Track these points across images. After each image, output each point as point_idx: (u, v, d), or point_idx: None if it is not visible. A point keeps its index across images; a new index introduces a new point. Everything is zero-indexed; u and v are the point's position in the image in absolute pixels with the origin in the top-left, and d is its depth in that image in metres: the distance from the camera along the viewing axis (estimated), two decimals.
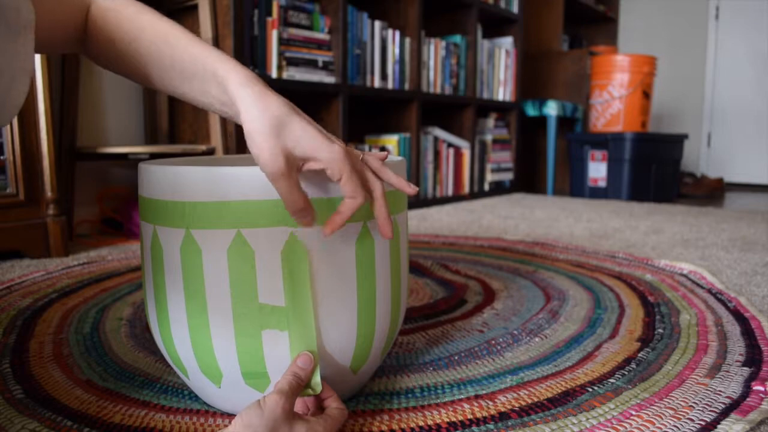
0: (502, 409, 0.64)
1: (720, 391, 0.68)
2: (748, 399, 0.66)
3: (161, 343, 0.64)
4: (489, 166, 2.94)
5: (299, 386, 0.55)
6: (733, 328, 0.90)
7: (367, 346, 0.63)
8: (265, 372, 0.58)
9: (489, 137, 2.93)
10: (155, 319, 0.63)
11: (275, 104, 0.51)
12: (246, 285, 0.56)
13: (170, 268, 0.59)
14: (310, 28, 2.03)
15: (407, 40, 2.41)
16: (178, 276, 0.58)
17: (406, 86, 2.43)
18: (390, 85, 2.35)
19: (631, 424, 0.60)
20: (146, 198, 0.60)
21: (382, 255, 0.62)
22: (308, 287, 0.57)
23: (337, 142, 0.53)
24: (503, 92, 3.00)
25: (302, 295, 0.57)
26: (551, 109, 3.04)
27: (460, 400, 0.67)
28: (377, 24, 2.28)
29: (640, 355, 0.80)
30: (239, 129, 1.78)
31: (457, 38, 2.71)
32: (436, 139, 2.63)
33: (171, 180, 0.57)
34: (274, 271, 0.56)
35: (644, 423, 0.61)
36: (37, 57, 1.32)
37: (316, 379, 0.57)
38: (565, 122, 3.27)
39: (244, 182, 0.55)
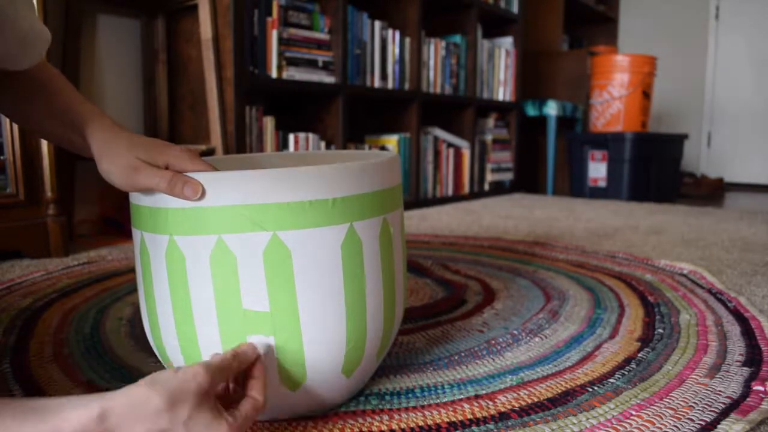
0: (502, 409, 0.64)
1: (720, 391, 0.68)
2: (748, 399, 0.66)
3: (155, 347, 0.64)
4: (489, 166, 2.94)
5: (230, 369, 0.51)
6: (733, 328, 0.90)
7: (359, 349, 0.62)
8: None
9: (489, 137, 2.93)
10: (148, 324, 0.63)
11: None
12: (229, 291, 0.56)
13: (158, 275, 0.59)
14: (310, 28, 2.02)
15: (407, 40, 2.41)
16: (164, 283, 0.58)
17: (406, 86, 2.43)
18: (390, 85, 2.35)
19: (631, 424, 0.60)
20: (134, 204, 0.61)
21: (371, 256, 0.60)
22: (293, 291, 0.56)
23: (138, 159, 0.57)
24: (503, 92, 3.00)
25: (286, 299, 0.56)
26: (551, 109, 3.04)
27: (460, 400, 0.67)
28: (377, 24, 2.27)
29: (640, 355, 0.80)
30: (239, 129, 1.78)
31: (457, 38, 2.71)
32: (436, 139, 2.63)
33: None
34: (257, 276, 0.55)
35: (644, 423, 0.61)
36: None
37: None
38: (565, 122, 3.27)
39: (223, 187, 0.54)
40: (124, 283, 1.16)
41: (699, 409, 0.64)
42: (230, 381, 0.55)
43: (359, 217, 0.58)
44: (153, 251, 0.58)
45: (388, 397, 0.68)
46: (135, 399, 0.44)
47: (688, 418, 0.62)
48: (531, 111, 3.12)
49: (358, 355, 0.62)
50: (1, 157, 1.32)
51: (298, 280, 0.56)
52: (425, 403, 0.66)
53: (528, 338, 0.87)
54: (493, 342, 0.85)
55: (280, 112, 2.11)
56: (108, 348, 0.83)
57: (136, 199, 0.60)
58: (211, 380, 0.48)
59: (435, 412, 0.64)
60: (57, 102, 0.64)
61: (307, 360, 0.58)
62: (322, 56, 2.05)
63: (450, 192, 2.72)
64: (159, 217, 0.57)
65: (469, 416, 0.63)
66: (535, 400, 0.67)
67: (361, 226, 0.59)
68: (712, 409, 0.64)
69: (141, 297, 0.64)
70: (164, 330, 0.60)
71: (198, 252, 0.55)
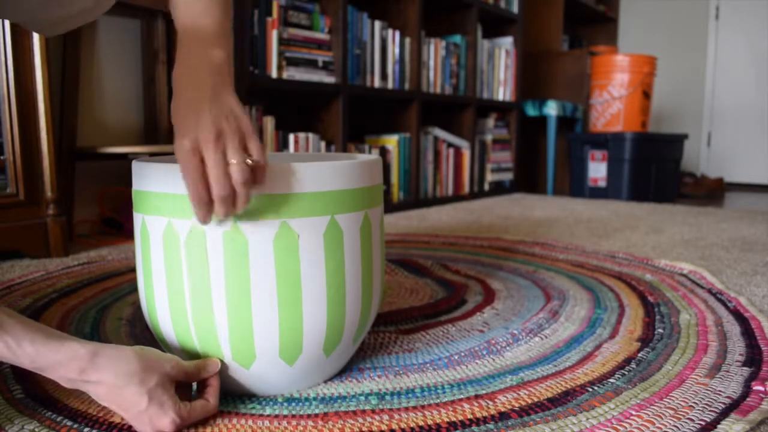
0: (502, 409, 0.64)
1: (720, 391, 0.68)
2: (748, 399, 0.66)
3: (149, 322, 0.68)
4: (489, 166, 2.94)
5: (194, 375, 0.61)
6: (733, 328, 0.90)
7: (338, 331, 0.67)
8: (252, 348, 0.62)
9: (489, 137, 2.93)
10: (144, 298, 0.68)
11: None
12: (239, 273, 0.60)
13: (156, 253, 0.63)
14: (310, 28, 2.03)
15: (407, 40, 2.41)
16: (161, 261, 0.63)
17: (406, 86, 2.43)
18: (390, 85, 2.35)
19: (631, 424, 0.60)
20: (137, 191, 0.66)
21: (351, 246, 0.66)
22: (298, 275, 0.62)
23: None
24: (503, 92, 3.00)
25: (292, 279, 0.62)
26: (551, 109, 3.04)
27: (460, 400, 0.67)
28: (377, 24, 2.28)
29: (640, 355, 0.80)
30: None
31: (457, 38, 2.71)
32: (436, 139, 2.63)
33: (156, 174, 0.63)
34: (267, 258, 0.61)
35: (644, 423, 0.61)
36: (37, 57, 1.32)
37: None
38: (565, 122, 3.27)
39: None
40: (124, 283, 1.16)
41: (699, 409, 0.64)
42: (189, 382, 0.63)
43: (340, 210, 0.64)
44: (152, 233, 0.63)
45: (388, 397, 0.68)
46: (121, 354, 0.56)
47: (688, 418, 0.62)
48: (531, 111, 3.12)
49: (337, 336, 0.67)
50: (1, 157, 1.32)
51: (303, 265, 0.62)
52: (425, 403, 0.66)
53: (528, 338, 0.87)
54: (493, 342, 0.85)
55: (280, 112, 2.11)
56: None
57: (138, 185, 0.65)
58: (178, 373, 0.59)
59: (435, 412, 0.64)
60: None
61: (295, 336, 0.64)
62: (322, 56, 2.05)
63: (450, 192, 2.72)
64: (159, 201, 0.62)
65: (469, 416, 0.63)
66: (535, 400, 0.66)
67: (343, 218, 0.65)
68: (712, 409, 0.64)
69: (139, 274, 0.68)
70: (158, 302, 0.64)
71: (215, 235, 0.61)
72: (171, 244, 0.62)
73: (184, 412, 0.58)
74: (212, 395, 0.62)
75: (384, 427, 0.61)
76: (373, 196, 0.69)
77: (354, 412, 0.64)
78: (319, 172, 0.62)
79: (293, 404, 0.66)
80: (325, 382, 0.72)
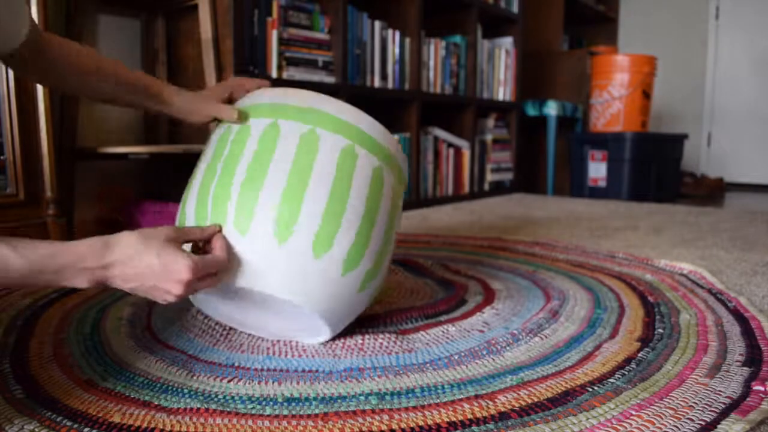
0: (502, 409, 0.64)
1: (720, 391, 0.68)
2: (748, 399, 0.66)
3: (180, 209, 0.81)
4: (489, 166, 2.94)
5: (192, 233, 0.70)
6: (733, 328, 0.90)
7: (331, 231, 0.74)
8: (251, 215, 0.72)
9: (489, 137, 2.93)
10: (186, 190, 0.82)
11: None
12: (263, 155, 0.75)
13: (209, 148, 0.83)
14: (310, 28, 2.03)
15: (407, 40, 2.41)
16: (211, 152, 0.81)
17: (406, 86, 2.43)
18: (390, 85, 2.35)
19: (631, 424, 0.60)
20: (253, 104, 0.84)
21: (360, 178, 0.76)
22: (310, 169, 0.74)
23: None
24: (503, 92, 3.00)
25: (303, 173, 0.73)
26: (551, 109, 3.04)
27: (460, 400, 0.67)
28: (377, 24, 2.27)
29: (640, 355, 0.80)
30: None
31: (457, 38, 2.71)
32: (436, 139, 2.63)
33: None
34: (289, 149, 0.75)
35: (644, 423, 0.61)
36: None
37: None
38: (565, 122, 3.27)
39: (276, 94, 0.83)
40: None
41: (699, 409, 0.64)
42: (199, 244, 0.73)
43: (358, 142, 0.78)
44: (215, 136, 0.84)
45: (388, 397, 0.68)
46: (123, 235, 0.66)
47: (688, 418, 0.62)
48: (531, 111, 3.12)
49: (329, 235, 0.73)
50: (1, 157, 1.32)
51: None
52: (425, 403, 0.66)
53: (528, 338, 0.87)
54: (493, 342, 0.85)
55: None
56: (108, 348, 0.83)
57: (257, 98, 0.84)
58: (178, 235, 0.68)
59: (435, 412, 0.64)
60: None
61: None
62: (322, 56, 2.05)
63: (450, 192, 2.72)
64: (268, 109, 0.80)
65: (469, 416, 0.63)
66: (535, 400, 0.67)
67: (359, 149, 0.78)
68: (712, 409, 0.64)
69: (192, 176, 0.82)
70: (193, 186, 0.79)
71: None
72: (222, 138, 0.80)
73: (197, 259, 0.65)
74: (220, 250, 0.70)
75: (384, 427, 0.61)
76: (386, 156, 0.81)
77: (354, 412, 0.64)
78: (347, 108, 0.79)
79: (293, 404, 0.66)
80: (325, 381, 0.72)
